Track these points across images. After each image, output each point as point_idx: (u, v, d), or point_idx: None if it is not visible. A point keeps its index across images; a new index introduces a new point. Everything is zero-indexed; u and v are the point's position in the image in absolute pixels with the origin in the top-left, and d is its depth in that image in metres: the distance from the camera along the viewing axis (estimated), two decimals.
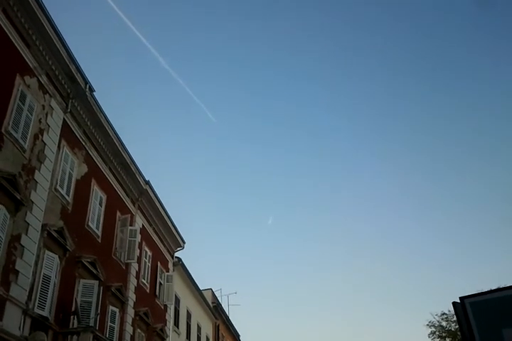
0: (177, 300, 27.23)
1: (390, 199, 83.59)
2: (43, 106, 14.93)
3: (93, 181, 18.11)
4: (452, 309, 3.03)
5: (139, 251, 21.38)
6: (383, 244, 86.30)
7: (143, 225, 22.87)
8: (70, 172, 16.30)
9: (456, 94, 72.23)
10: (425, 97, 74.03)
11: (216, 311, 36.23)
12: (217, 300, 37.63)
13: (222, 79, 77.84)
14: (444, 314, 34.02)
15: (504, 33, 70.25)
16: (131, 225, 20.80)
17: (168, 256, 26.58)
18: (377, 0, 68.72)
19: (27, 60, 14.22)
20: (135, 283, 20.92)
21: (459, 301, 2.99)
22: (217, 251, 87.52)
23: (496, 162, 72.98)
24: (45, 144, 14.77)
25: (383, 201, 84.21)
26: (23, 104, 13.78)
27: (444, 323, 34.22)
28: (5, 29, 13.25)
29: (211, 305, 35.01)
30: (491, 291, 3.09)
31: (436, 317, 34.49)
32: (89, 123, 17.76)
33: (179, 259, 27.97)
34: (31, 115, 14.15)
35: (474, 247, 78.25)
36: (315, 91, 78.80)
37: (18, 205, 12.89)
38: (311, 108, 79.21)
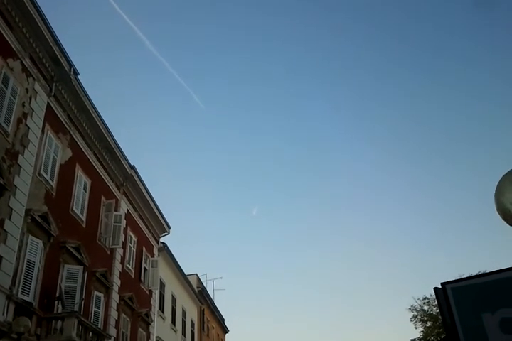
0: (162, 285, 27.30)
1: (376, 186, 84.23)
2: (27, 89, 14.72)
3: (77, 166, 17.97)
4: (433, 293, 3.08)
5: (123, 236, 21.33)
6: (368, 229, 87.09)
7: (128, 210, 22.81)
8: (54, 157, 16.15)
9: (454, 86, 72.57)
10: (423, 89, 74.28)
11: (201, 296, 36.42)
12: (202, 285, 37.81)
13: (211, 67, 77.33)
14: (425, 298, 34.61)
15: (504, 32, 70.54)
16: (116, 210, 20.72)
17: (153, 242, 26.58)
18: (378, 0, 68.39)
19: (10, 42, 13.98)
20: (120, 269, 20.92)
21: (440, 286, 3.03)
22: (203, 236, 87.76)
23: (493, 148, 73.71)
24: (28, 128, 14.60)
25: (368, 187, 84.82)
26: (6, 88, 13.58)
27: (425, 307, 34.84)
28: None
29: (196, 289, 35.18)
30: (472, 277, 3.14)
31: (418, 301, 35.09)
32: (73, 107, 17.57)
33: (164, 244, 27.99)
34: (14, 98, 13.96)
35: (458, 233, 79.32)
36: (306, 82, 78.54)
37: (1, 190, 12.77)
38: (301, 98, 79.02)
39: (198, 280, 37.14)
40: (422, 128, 78.00)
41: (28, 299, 13.40)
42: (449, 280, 3.05)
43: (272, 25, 73.55)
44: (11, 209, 13.21)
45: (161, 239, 27.95)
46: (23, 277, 13.35)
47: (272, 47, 75.54)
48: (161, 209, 26.40)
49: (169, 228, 28.01)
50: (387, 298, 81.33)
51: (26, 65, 14.76)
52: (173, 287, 29.98)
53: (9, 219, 13.04)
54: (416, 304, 35.09)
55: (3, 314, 12.31)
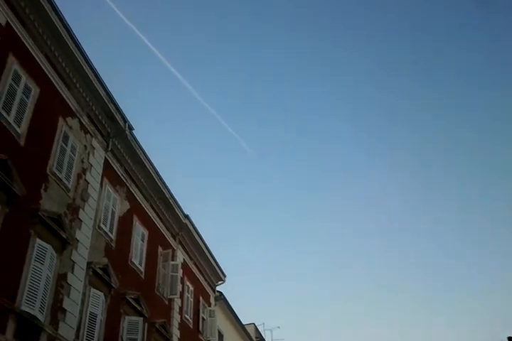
0: (220, 336, 26.91)
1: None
2: (85, 146, 15.32)
3: (135, 217, 18.31)
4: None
5: (181, 285, 21.32)
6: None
7: (184, 259, 22.89)
8: (112, 210, 16.54)
9: (455, 93, 72.24)
10: (424, 96, 73.93)
11: None
12: (261, 335, 37.04)
13: (238, 91, 78.50)
14: None
15: (503, 32, 70.00)
16: (172, 260, 20.83)
17: (209, 290, 26.43)
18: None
19: (68, 101, 14.68)
20: (178, 319, 20.80)
21: None
22: (259, 284, 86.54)
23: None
24: (88, 183, 15.08)
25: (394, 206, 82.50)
26: (66, 145, 14.16)
27: None
28: (47, 74, 13.77)
29: (254, 340, 34.47)
30: None
31: None
32: (129, 161, 18.10)
33: (221, 293, 27.76)
34: (74, 155, 14.52)
35: None
36: (319, 96, 78.96)
37: (64, 244, 13.09)
38: (312, 113, 79.29)
39: (256, 330, 36.45)
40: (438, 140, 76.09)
41: None
42: None
43: (272, 26, 74.79)
44: (74, 262, 13.49)
45: (217, 288, 27.78)
46: (86, 329, 13.46)
47: (281, 57, 76.65)
48: (215, 256, 26.37)
49: (225, 276, 27.84)
50: None
51: (84, 122, 15.41)
52: (231, 337, 29.48)
53: (72, 273, 13.30)
54: None
55: None
